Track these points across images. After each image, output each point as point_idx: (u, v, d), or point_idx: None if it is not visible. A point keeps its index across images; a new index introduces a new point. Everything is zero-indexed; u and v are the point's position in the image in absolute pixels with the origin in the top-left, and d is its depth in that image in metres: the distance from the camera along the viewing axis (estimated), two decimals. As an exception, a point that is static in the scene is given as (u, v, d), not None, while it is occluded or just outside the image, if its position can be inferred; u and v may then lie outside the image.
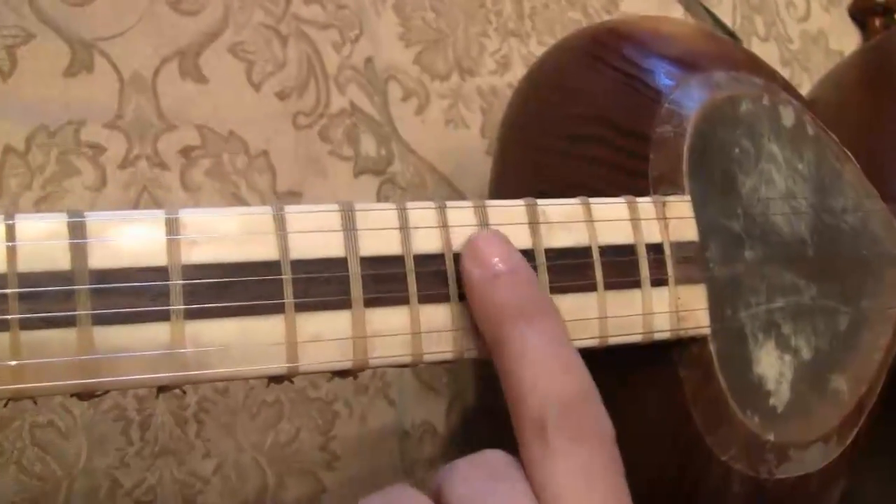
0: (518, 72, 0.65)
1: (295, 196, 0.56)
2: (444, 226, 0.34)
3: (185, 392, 0.37)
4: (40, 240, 0.29)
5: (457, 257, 0.34)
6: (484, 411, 0.59)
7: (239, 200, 0.54)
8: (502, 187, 0.50)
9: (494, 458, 0.31)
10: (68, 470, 0.48)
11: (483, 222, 0.34)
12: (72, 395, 0.29)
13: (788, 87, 0.43)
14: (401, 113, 0.61)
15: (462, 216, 0.34)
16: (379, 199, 0.59)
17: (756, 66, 0.44)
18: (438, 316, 0.33)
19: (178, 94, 0.54)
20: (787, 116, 0.42)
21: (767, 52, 0.75)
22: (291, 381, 0.32)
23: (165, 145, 0.53)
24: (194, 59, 0.55)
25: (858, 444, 0.42)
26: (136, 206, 0.52)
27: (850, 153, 0.45)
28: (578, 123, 0.44)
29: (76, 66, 0.52)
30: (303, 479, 0.54)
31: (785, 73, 0.73)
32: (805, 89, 0.73)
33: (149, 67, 0.54)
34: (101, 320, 0.29)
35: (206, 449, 0.52)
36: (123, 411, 0.50)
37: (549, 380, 0.31)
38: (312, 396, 0.55)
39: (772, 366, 0.39)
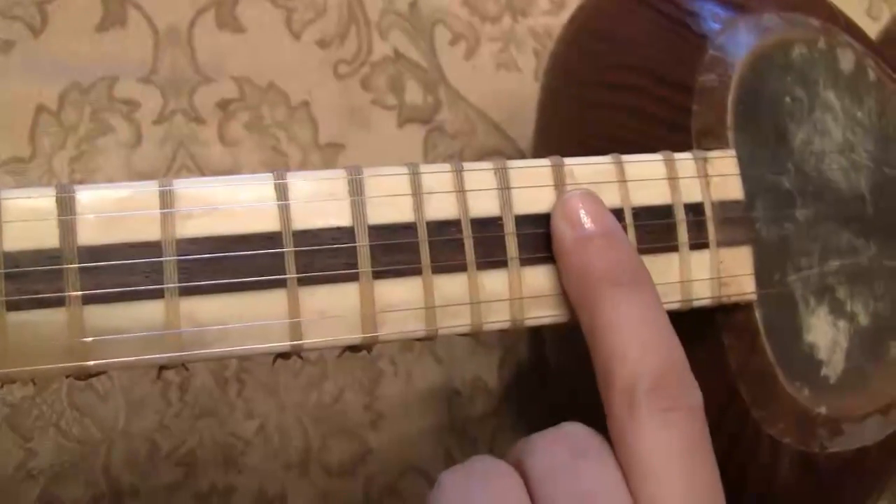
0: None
1: (338, 147, 0.54)
2: (460, 190, 0.32)
3: (188, 369, 0.35)
4: (27, 216, 0.27)
5: (476, 223, 0.32)
6: (538, 364, 0.58)
7: (279, 154, 0.53)
8: (544, 140, 0.47)
9: (576, 432, 0.30)
10: (107, 433, 0.48)
11: (504, 185, 0.32)
12: (67, 377, 0.28)
13: (851, 28, 0.40)
14: (449, 58, 0.58)
15: (480, 179, 0.32)
16: (426, 148, 0.56)
17: (813, 4, 0.40)
18: (455, 287, 0.31)
19: (214, 45, 0.53)
20: (846, 60, 0.39)
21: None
22: (301, 357, 0.31)
23: (202, 99, 0.52)
24: (231, 8, 0.53)
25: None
26: (172, 162, 0.51)
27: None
28: (618, 73, 0.41)
29: (109, 20, 0.51)
30: (347, 440, 0.53)
31: (862, 3, 0.68)
32: (883, 21, 0.68)
33: (184, 19, 0.52)
34: (91, 299, 0.28)
35: (248, 409, 0.51)
36: (164, 372, 0.49)
37: (640, 350, 0.30)
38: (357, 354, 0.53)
39: (824, 333, 0.36)
